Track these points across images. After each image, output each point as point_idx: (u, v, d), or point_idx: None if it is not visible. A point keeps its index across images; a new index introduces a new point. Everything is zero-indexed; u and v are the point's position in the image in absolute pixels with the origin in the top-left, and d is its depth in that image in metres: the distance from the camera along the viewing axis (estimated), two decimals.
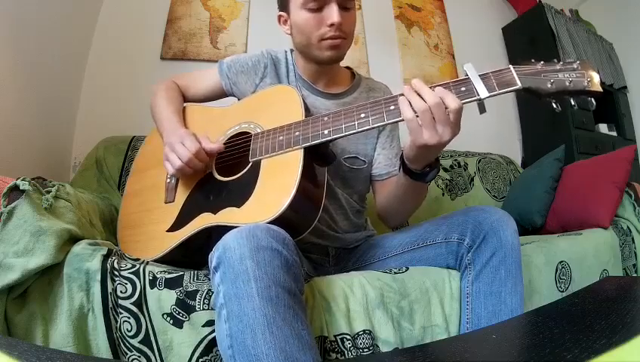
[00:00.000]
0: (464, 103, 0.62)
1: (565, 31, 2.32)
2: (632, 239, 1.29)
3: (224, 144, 0.81)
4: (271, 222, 0.62)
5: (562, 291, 0.97)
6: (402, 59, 2.13)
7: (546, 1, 2.35)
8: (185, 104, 0.94)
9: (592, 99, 0.62)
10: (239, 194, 0.71)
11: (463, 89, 0.63)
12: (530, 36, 2.34)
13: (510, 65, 0.63)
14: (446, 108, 0.60)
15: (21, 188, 0.63)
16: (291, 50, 0.97)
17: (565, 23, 2.37)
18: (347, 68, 1.02)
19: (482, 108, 0.63)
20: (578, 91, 0.61)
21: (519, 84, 0.61)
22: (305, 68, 0.93)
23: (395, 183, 0.82)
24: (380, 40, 2.09)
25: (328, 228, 0.89)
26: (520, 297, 0.68)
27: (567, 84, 0.61)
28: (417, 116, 0.61)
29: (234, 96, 0.95)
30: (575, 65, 0.63)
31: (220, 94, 0.96)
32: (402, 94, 0.64)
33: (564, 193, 1.47)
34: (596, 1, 2.80)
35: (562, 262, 1.00)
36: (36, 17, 1.20)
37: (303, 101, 0.77)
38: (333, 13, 0.80)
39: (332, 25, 0.80)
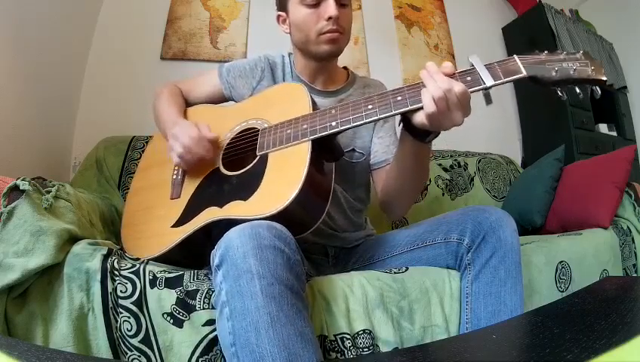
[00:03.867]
0: (471, 93, 0.62)
1: (565, 31, 2.32)
2: (632, 239, 1.29)
3: (231, 140, 0.81)
4: (277, 215, 0.62)
5: (562, 291, 0.97)
6: (402, 59, 2.13)
7: (546, 1, 2.35)
8: (194, 107, 0.95)
9: (597, 88, 0.62)
10: (246, 188, 0.70)
11: (469, 78, 0.63)
12: (530, 36, 2.35)
13: (515, 55, 0.64)
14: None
15: (21, 188, 0.63)
16: (289, 54, 0.99)
17: (565, 23, 2.37)
18: (344, 68, 1.02)
19: (488, 99, 0.64)
20: (583, 79, 0.61)
21: (524, 72, 0.61)
22: (304, 67, 0.93)
23: (397, 153, 0.79)
24: (380, 40, 2.09)
25: (327, 227, 0.89)
26: (520, 297, 0.68)
27: (572, 72, 0.61)
28: (435, 104, 0.61)
29: (233, 100, 0.96)
30: (578, 55, 0.63)
31: (220, 98, 0.97)
32: (412, 85, 0.65)
33: (564, 193, 1.47)
34: (596, 1, 2.80)
35: (562, 262, 1.00)
36: (36, 17, 1.20)
37: (311, 97, 0.77)
38: (330, 7, 0.82)
39: (330, 18, 0.82)
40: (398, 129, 0.74)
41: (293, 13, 0.86)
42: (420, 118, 0.65)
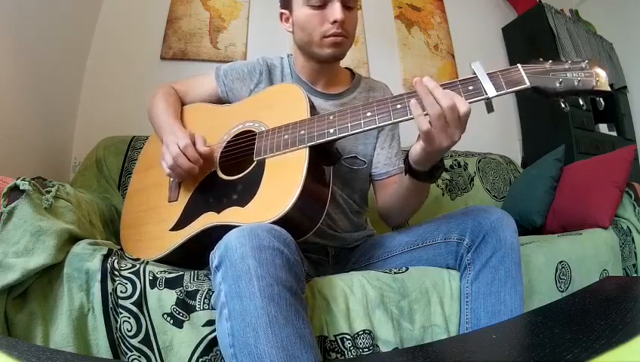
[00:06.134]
0: (472, 102, 0.61)
1: (565, 31, 2.32)
2: (632, 239, 1.29)
3: (228, 142, 0.81)
4: (275, 222, 0.62)
5: (562, 291, 0.97)
6: (402, 59, 2.13)
7: (546, 1, 2.35)
8: (191, 104, 0.95)
9: (601, 99, 0.62)
10: (243, 194, 0.70)
11: (471, 88, 0.62)
12: (530, 36, 2.34)
13: (518, 64, 0.63)
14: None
15: (21, 188, 0.63)
16: (288, 56, 0.98)
17: (565, 23, 2.37)
18: (347, 68, 1.02)
19: (490, 108, 0.63)
20: (586, 91, 0.61)
21: (528, 83, 0.60)
22: (304, 67, 0.92)
23: (399, 184, 0.81)
24: (379, 40, 2.09)
25: (328, 228, 0.89)
26: (520, 297, 0.68)
27: (576, 83, 0.60)
28: (430, 123, 0.60)
29: (229, 102, 0.95)
30: (583, 65, 0.62)
31: (217, 100, 0.96)
32: (412, 93, 0.63)
33: (564, 193, 1.47)
34: (596, 1, 2.80)
35: (562, 262, 1.00)
36: (36, 17, 1.20)
37: (309, 99, 0.77)
38: (336, 11, 0.80)
39: (335, 22, 0.81)
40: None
41: (297, 13, 0.85)
42: (415, 154, 0.65)
